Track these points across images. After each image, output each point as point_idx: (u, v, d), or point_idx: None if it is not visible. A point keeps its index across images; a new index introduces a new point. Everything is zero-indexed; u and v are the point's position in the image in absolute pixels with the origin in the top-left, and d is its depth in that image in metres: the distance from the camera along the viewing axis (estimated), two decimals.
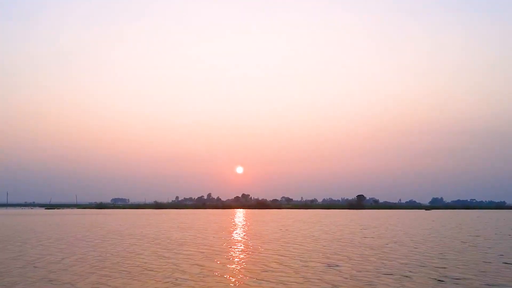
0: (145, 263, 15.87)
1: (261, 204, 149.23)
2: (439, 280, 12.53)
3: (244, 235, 29.42)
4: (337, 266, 15.19)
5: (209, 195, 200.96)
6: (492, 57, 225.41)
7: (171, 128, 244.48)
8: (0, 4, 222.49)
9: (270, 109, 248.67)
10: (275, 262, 16.17)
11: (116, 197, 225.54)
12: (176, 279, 12.58)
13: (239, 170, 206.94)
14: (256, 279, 12.68)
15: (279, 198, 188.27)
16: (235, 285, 11.89)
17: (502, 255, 18.65)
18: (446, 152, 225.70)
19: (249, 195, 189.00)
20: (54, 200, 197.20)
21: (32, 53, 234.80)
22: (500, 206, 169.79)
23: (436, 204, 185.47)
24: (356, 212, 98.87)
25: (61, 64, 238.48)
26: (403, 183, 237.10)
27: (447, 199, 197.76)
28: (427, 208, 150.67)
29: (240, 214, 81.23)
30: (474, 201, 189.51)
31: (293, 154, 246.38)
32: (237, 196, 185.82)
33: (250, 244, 22.96)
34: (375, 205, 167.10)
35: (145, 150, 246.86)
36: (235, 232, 32.86)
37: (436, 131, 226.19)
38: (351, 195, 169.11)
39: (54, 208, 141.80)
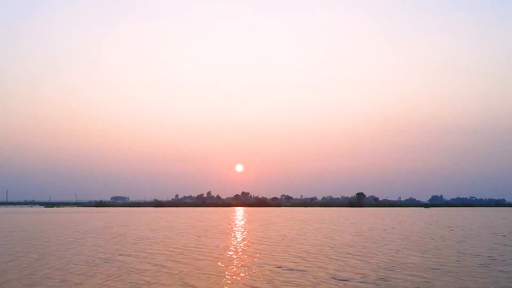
0: (98, 264, 15.57)
1: (261, 202, 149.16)
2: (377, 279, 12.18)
3: (221, 235, 29.10)
4: (284, 266, 14.87)
5: (209, 193, 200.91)
6: (493, 57, 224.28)
7: (171, 127, 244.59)
8: None
9: (270, 107, 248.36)
10: (229, 264, 15.86)
11: (116, 195, 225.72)
12: (107, 281, 12.27)
13: (239, 168, 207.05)
14: (195, 279, 12.37)
15: (279, 196, 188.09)
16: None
17: (460, 253, 18.25)
18: (445, 150, 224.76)
19: (249, 193, 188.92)
20: (54, 199, 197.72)
21: (31, 52, 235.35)
22: (500, 203, 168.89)
23: (436, 202, 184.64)
24: (352, 210, 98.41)
25: (60, 63, 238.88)
26: (403, 181, 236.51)
27: (447, 197, 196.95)
28: (426, 206, 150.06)
29: (235, 213, 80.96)
30: (474, 198, 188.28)
31: (293, 153, 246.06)
32: (237, 194, 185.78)
33: (220, 244, 22.64)
34: (375, 203, 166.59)
35: (145, 149, 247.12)
36: (215, 231, 32.54)
37: (436, 129, 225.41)
38: (351, 193, 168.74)
39: (53, 207, 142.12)
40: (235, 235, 28.09)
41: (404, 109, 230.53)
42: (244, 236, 27.32)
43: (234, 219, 53.47)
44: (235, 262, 15.92)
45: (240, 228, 35.91)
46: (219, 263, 15.53)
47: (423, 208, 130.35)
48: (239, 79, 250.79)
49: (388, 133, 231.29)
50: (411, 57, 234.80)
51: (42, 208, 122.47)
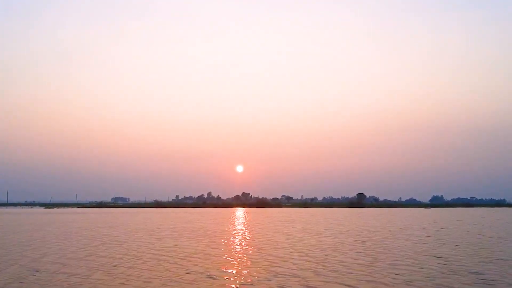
0: (39, 267, 15.25)
1: (261, 203, 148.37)
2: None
3: (195, 237, 28.74)
4: (217, 274, 14.51)
5: (209, 193, 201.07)
6: (492, 56, 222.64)
7: (171, 127, 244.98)
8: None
9: (270, 107, 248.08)
10: (169, 268, 15.48)
11: (116, 196, 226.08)
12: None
13: (240, 168, 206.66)
14: (117, 283, 12.03)
15: (279, 197, 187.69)
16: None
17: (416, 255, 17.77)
18: (446, 151, 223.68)
19: (249, 193, 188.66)
20: (55, 200, 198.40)
21: (32, 52, 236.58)
22: (500, 204, 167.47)
23: (437, 202, 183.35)
24: (351, 211, 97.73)
25: (61, 62, 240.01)
26: (404, 181, 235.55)
27: (448, 197, 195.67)
28: (427, 206, 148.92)
29: (231, 213, 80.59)
30: (474, 199, 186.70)
31: (294, 153, 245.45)
32: (237, 195, 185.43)
33: (183, 248, 22.28)
34: (375, 203, 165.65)
35: (146, 149, 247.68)
36: (194, 234, 32.16)
37: (437, 129, 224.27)
38: (352, 194, 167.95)
39: (53, 207, 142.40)
40: (209, 238, 27.63)
41: (405, 109, 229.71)
42: (215, 239, 26.83)
43: (224, 220, 52.97)
44: (176, 266, 15.47)
45: (220, 230, 35.40)
46: (159, 268, 15.13)
47: (423, 208, 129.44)
48: (239, 79, 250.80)
49: (389, 133, 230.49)
50: (413, 55, 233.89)
51: (41, 209, 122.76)
